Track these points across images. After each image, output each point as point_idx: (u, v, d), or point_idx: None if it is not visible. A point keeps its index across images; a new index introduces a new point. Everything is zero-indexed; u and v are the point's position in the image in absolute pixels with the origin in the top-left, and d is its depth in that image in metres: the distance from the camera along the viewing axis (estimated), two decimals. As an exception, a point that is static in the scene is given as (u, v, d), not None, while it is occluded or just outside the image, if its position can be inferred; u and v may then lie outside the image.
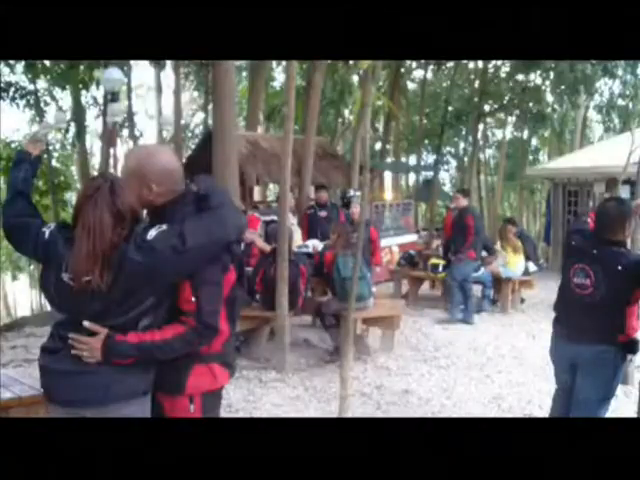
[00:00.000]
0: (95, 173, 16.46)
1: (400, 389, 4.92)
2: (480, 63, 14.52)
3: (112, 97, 11.77)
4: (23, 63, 12.83)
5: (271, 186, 16.38)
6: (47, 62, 12.72)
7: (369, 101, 4.04)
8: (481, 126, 16.54)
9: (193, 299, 1.96)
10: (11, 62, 12.86)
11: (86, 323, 1.92)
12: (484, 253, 7.99)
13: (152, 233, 1.91)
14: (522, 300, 8.45)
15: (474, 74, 16.81)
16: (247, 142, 10.35)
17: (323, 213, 8.22)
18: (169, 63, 15.55)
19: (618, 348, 3.11)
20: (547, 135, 22.38)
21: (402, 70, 15.95)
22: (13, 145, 16.49)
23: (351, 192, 9.33)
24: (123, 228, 1.92)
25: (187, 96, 22.17)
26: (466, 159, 18.61)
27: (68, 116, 15.36)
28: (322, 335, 6.26)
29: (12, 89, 13.89)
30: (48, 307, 10.71)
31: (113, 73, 10.95)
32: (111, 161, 13.79)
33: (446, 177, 25.26)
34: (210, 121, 12.99)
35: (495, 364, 5.67)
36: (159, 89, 20.04)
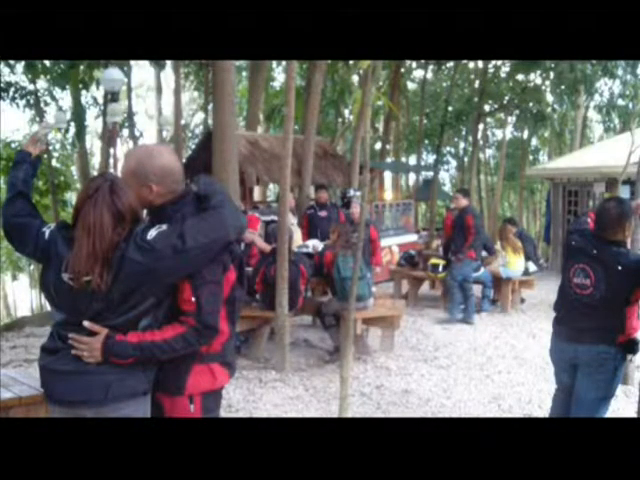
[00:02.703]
0: (95, 173, 16.47)
1: (400, 389, 4.92)
2: (480, 63, 14.52)
3: (112, 97, 11.78)
4: (23, 63, 12.84)
5: (271, 186, 16.39)
6: (47, 62, 12.73)
7: (369, 101, 4.04)
8: (481, 126, 16.53)
9: (193, 299, 1.96)
10: (11, 62, 12.86)
11: (86, 323, 1.92)
12: (484, 253, 7.99)
13: (152, 233, 1.91)
14: (522, 300, 8.45)
15: (474, 74, 16.82)
16: (247, 142, 10.36)
17: (323, 213, 8.22)
18: (169, 63, 15.56)
19: (618, 348, 3.11)
20: (547, 135, 22.39)
21: (402, 70, 15.96)
22: (13, 145, 16.50)
23: (351, 192, 9.34)
24: (123, 228, 1.92)
25: (187, 96, 22.18)
26: (466, 159, 18.62)
27: (68, 116, 15.37)
28: (322, 335, 6.26)
29: (12, 89, 13.90)
30: (48, 307, 10.71)
31: (113, 73, 10.96)
32: (111, 161, 13.80)
33: (446, 177, 25.29)
34: (210, 121, 12.99)
35: (495, 364, 5.67)
36: (159, 89, 20.06)
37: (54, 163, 16.74)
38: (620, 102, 16.52)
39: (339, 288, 5.64)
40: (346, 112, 19.37)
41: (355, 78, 16.59)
